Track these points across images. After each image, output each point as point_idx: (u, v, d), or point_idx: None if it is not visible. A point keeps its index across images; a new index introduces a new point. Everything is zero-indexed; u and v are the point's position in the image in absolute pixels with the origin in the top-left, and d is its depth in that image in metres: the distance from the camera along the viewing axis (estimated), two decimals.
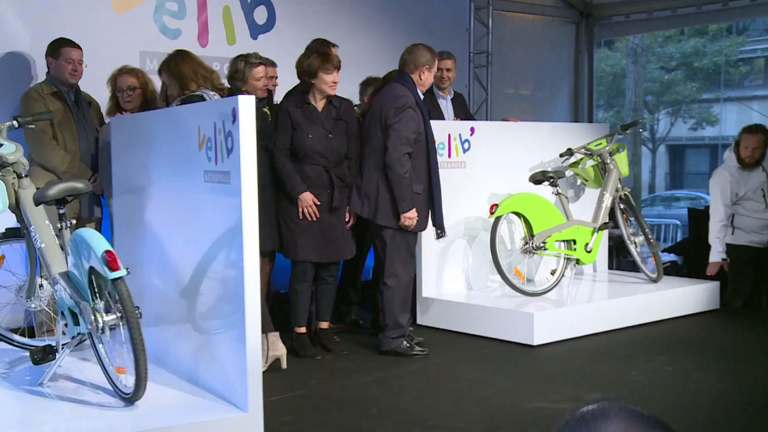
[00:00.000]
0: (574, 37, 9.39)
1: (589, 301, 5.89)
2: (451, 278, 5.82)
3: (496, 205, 5.46)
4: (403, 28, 7.16)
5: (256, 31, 6.67)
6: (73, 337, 3.57)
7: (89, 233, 3.41)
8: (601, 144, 6.15)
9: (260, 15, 6.73)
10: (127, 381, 3.39)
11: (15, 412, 3.46)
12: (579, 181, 6.45)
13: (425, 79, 4.92)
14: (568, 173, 6.36)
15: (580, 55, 9.42)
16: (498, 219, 5.49)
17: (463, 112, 6.36)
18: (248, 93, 4.69)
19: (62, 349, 3.59)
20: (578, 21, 9.35)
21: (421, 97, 4.98)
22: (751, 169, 6.01)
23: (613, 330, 5.55)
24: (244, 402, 3.36)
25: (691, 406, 4.04)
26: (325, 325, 5.05)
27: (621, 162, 6.13)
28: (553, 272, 5.84)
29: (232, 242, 3.40)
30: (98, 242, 3.30)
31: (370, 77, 5.91)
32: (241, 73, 4.79)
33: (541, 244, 5.61)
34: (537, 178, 5.76)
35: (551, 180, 5.74)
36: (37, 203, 3.64)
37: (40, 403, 3.50)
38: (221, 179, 3.44)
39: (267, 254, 4.88)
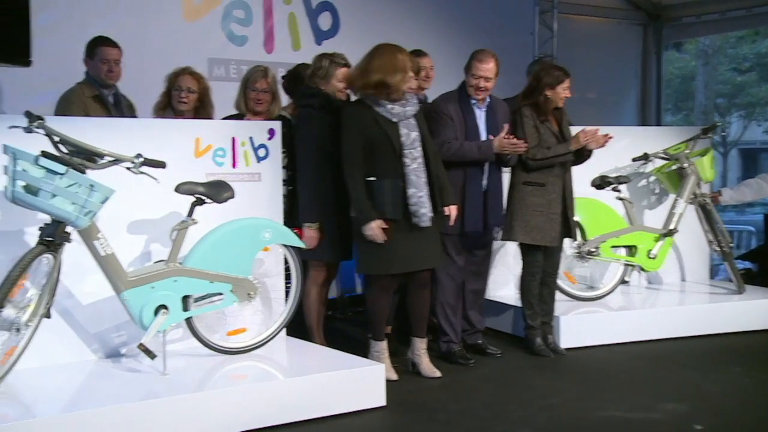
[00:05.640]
0: (641, 39, 9.21)
1: (628, 309, 5.67)
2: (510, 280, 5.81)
3: None
4: (467, 33, 7.12)
5: (320, 37, 6.73)
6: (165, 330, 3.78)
7: (258, 221, 4.12)
8: (680, 148, 5.99)
9: (325, 21, 6.78)
10: (245, 337, 4.26)
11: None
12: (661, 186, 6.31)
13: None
14: (651, 178, 6.24)
15: (648, 58, 9.22)
16: None
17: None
18: (327, 92, 4.66)
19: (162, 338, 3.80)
20: (646, 23, 9.17)
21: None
22: None
23: (686, 338, 5.42)
24: None
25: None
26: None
27: (705, 166, 5.96)
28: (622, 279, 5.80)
29: None
30: (281, 225, 4.26)
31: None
32: (325, 71, 4.67)
33: (594, 249, 5.56)
34: (596, 183, 5.68)
35: (611, 185, 5.64)
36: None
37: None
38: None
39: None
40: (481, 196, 4.79)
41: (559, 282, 5.49)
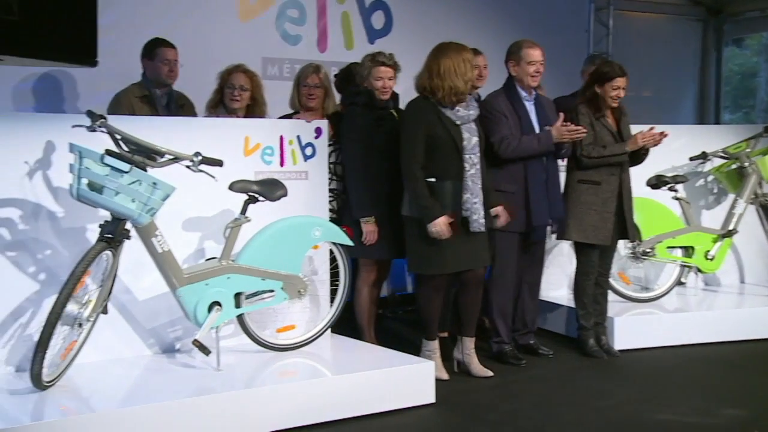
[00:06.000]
0: (700, 36, 9.00)
1: (684, 311, 5.55)
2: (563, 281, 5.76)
3: None
4: (520, 31, 7.01)
5: (373, 35, 6.75)
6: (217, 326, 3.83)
7: (308, 218, 4.16)
8: (740, 147, 5.85)
9: (377, 20, 6.80)
10: (293, 334, 4.30)
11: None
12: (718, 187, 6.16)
13: None
14: (710, 178, 6.11)
15: (707, 55, 9.01)
16: None
17: None
18: (368, 89, 4.70)
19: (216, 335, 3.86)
20: (705, 19, 8.95)
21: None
22: None
23: (745, 341, 5.28)
24: None
25: None
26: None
27: (767, 165, 5.81)
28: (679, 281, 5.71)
29: None
30: (330, 223, 4.30)
31: None
32: (365, 69, 4.72)
33: (649, 250, 5.47)
34: (652, 183, 5.58)
35: (668, 185, 5.54)
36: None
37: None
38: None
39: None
40: (544, 188, 4.75)
41: (613, 283, 5.43)
